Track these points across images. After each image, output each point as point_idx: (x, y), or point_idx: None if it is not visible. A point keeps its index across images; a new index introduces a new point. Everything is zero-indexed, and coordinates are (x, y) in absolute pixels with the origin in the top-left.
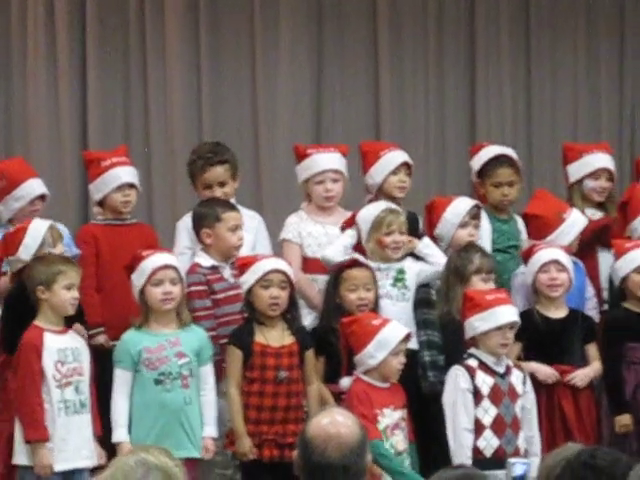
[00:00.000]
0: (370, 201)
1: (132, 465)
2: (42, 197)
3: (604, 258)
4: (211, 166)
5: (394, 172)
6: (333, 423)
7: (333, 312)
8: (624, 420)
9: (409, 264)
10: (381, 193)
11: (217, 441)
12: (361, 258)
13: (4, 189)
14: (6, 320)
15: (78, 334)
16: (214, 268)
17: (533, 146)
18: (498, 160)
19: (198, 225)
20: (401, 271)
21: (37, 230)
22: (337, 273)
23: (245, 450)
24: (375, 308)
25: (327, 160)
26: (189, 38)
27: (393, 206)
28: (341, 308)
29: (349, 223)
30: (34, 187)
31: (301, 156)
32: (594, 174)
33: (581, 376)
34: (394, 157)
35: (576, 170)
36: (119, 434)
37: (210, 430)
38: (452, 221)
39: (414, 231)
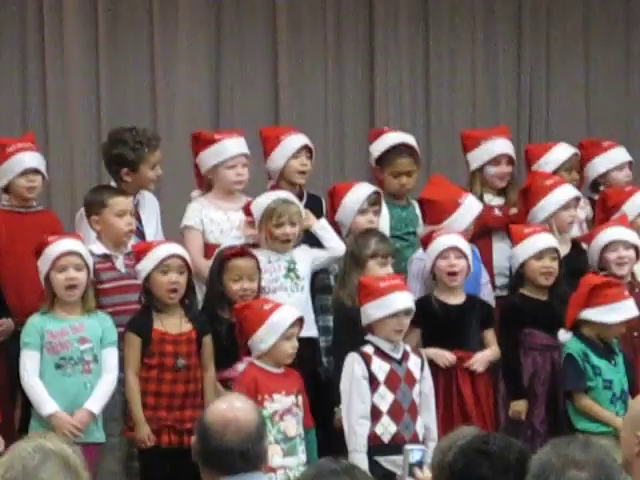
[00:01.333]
0: (272, 187)
1: (29, 451)
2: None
3: (498, 244)
4: (156, 150)
5: (295, 156)
6: (231, 408)
7: (216, 300)
8: (519, 406)
9: (299, 253)
10: (282, 178)
11: (115, 422)
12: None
13: None
14: None
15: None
16: (106, 257)
17: (431, 131)
18: (397, 149)
19: (87, 212)
20: (292, 261)
21: None
22: (221, 262)
23: (143, 437)
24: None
25: (238, 145)
26: (88, 25)
27: (286, 196)
28: (224, 296)
29: (247, 207)
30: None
31: (208, 142)
32: (494, 160)
33: (481, 360)
34: (294, 140)
35: (476, 157)
36: (49, 407)
37: (91, 404)
38: (352, 207)
39: (316, 212)
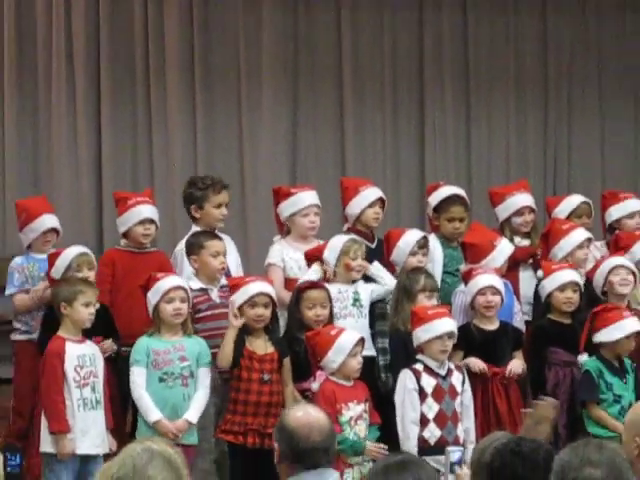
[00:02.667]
0: (348, 229)
1: (139, 452)
2: (56, 231)
3: (524, 277)
4: (224, 190)
5: (370, 205)
6: (310, 414)
7: (295, 325)
8: None
9: (362, 286)
10: (358, 222)
11: (206, 430)
12: (317, 281)
13: (24, 221)
14: (44, 328)
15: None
16: (202, 290)
17: (472, 185)
18: (452, 199)
19: (188, 252)
20: (357, 292)
21: (66, 255)
22: (298, 293)
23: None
24: (330, 322)
25: (310, 197)
26: (188, 98)
27: (355, 237)
28: (302, 322)
29: (313, 253)
30: (46, 221)
31: (285, 195)
32: (518, 212)
33: (514, 367)
34: (372, 192)
35: (503, 210)
36: (154, 415)
37: (189, 414)
38: (404, 250)
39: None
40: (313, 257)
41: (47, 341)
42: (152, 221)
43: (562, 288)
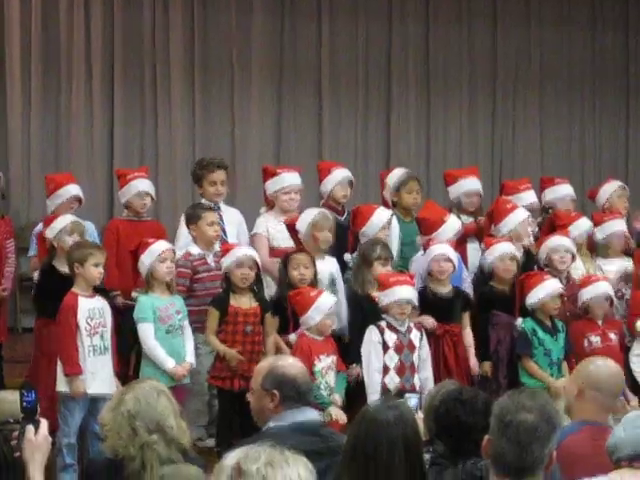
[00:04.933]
0: (323, 205)
1: (148, 389)
2: (78, 200)
3: (470, 249)
4: (218, 168)
5: (340, 184)
6: (296, 362)
7: (285, 285)
8: (486, 366)
9: (335, 267)
10: (330, 198)
11: (199, 375)
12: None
13: (52, 190)
14: (41, 289)
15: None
16: (200, 255)
17: (429, 170)
18: (409, 176)
19: (187, 222)
20: (331, 274)
21: (63, 220)
22: (286, 257)
23: (234, 355)
24: (314, 283)
25: (292, 177)
26: (188, 88)
27: (325, 211)
28: (289, 283)
29: (291, 222)
30: (71, 190)
31: (271, 174)
32: (466, 193)
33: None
34: (340, 173)
35: (453, 191)
36: (169, 363)
37: (189, 358)
38: (377, 224)
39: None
40: (291, 226)
41: (48, 301)
42: (148, 194)
43: (501, 258)
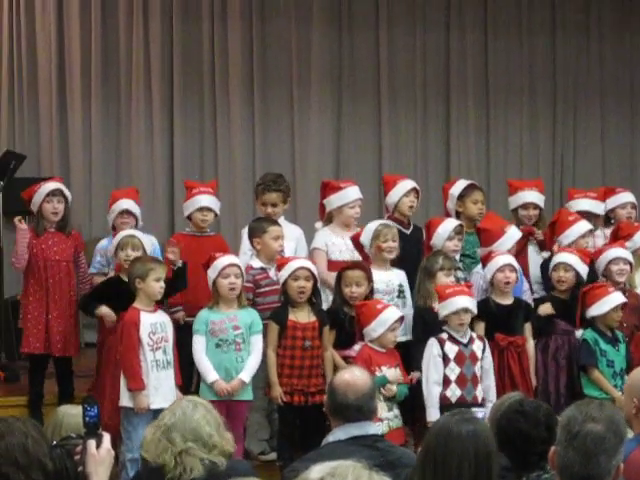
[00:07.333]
0: (388, 217)
1: (184, 403)
2: (132, 214)
3: (532, 259)
4: (268, 192)
5: (406, 194)
6: (351, 375)
7: (338, 299)
8: (545, 307)
9: (404, 279)
10: (396, 211)
11: (260, 390)
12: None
13: (110, 204)
14: (97, 290)
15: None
16: (262, 269)
17: (490, 182)
18: (473, 186)
19: (251, 235)
20: (401, 285)
21: (118, 236)
22: (339, 272)
23: (276, 395)
24: (368, 299)
25: (356, 192)
26: (247, 102)
27: (387, 222)
28: (342, 297)
29: (356, 237)
30: (123, 204)
31: (334, 189)
32: (523, 205)
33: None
34: (407, 184)
35: (513, 202)
36: (212, 376)
37: (243, 375)
38: (443, 235)
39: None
40: (357, 241)
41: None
42: (210, 209)
43: (555, 268)
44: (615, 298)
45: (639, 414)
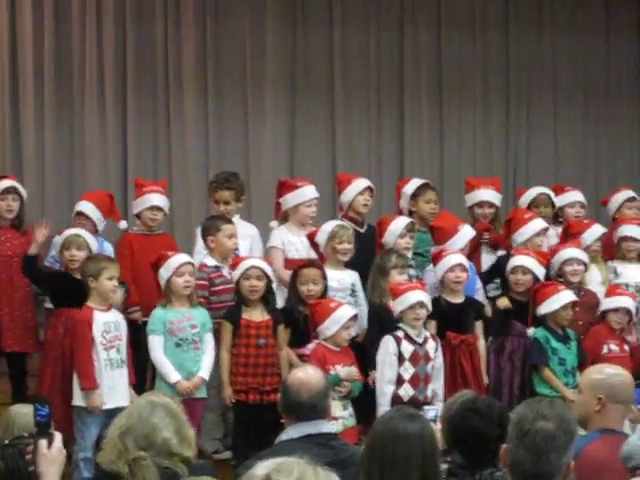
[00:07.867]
0: (342, 217)
1: (142, 404)
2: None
3: (485, 257)
4: (221, 189)
5: (361, 193)
6: (306, 373)
7: (293, 298)
8: (502, 301)
9: (356, 278)
10: (350, 209)
11: (215, 389)
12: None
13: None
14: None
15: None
16: (216, 267)
17: (443, 180)
18: (426, 185)
19: (204, 234)
20: (353, 284)
21: (64, 234)
22: (295, 271)
23: (227, 395)
24: (323, 297)
25: (312, 191)
26: (201, 101)
27: (343, 223)
28: (298, 296)
29: (312, 235)
30: (77, 206)
31: (291, 187)
32: (479, 204)
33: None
34: (361, 182)
35: (468, 199)
36: (174, 376)
37: (202, 372)
38: (394, 232)
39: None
40: (313, 239)
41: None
42: (160, 209)
43: (513, 271)
44: (565, 296)
45: (602, 411)
